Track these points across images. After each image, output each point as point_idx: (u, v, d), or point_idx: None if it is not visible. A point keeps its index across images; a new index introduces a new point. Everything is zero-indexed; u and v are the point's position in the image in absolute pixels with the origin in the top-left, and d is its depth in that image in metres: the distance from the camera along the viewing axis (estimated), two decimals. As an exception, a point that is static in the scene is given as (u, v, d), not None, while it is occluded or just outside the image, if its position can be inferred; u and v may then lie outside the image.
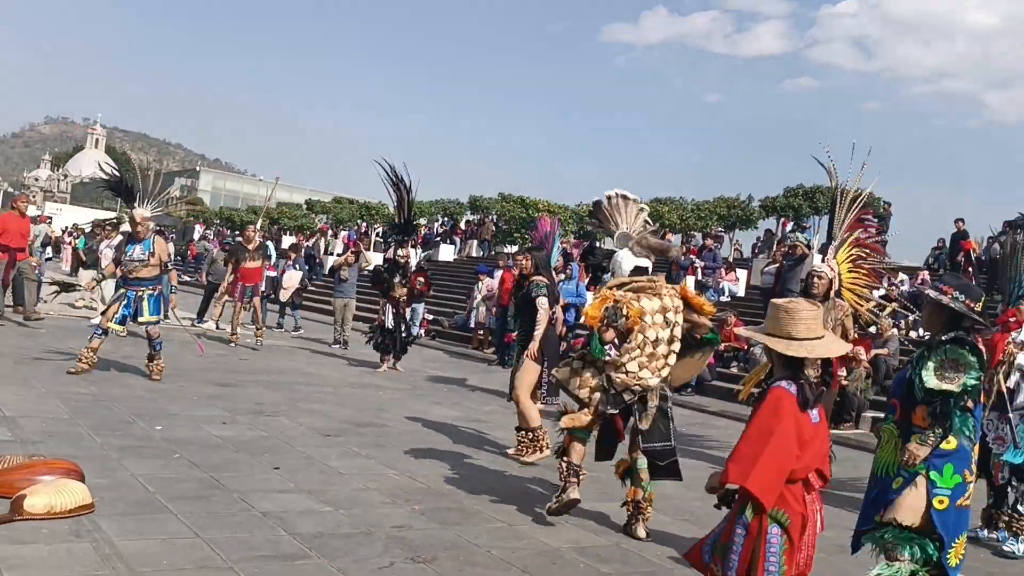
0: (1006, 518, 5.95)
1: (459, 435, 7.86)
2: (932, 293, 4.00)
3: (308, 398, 9.06)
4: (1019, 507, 5.90)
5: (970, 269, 16.81)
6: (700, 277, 17.72)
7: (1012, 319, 6.15)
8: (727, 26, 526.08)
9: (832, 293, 7.11)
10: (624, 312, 5.12)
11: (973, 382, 3.76)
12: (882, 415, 4.62)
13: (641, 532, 5.20)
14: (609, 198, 6.18)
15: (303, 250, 22.81)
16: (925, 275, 16.94)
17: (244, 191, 77.65)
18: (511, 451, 7.10)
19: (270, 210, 41.99)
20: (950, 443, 3.80)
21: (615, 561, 4.69)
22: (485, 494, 5.84)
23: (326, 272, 25.46)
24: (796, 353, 3.23)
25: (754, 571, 3.15)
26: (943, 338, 3.88)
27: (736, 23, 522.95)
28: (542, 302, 7.03)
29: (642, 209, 6.24)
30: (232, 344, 13.14)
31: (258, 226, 14.99)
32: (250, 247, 13.67)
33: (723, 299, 18.22)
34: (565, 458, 5.34)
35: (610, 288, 5.38)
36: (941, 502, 3.77)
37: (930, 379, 3.77)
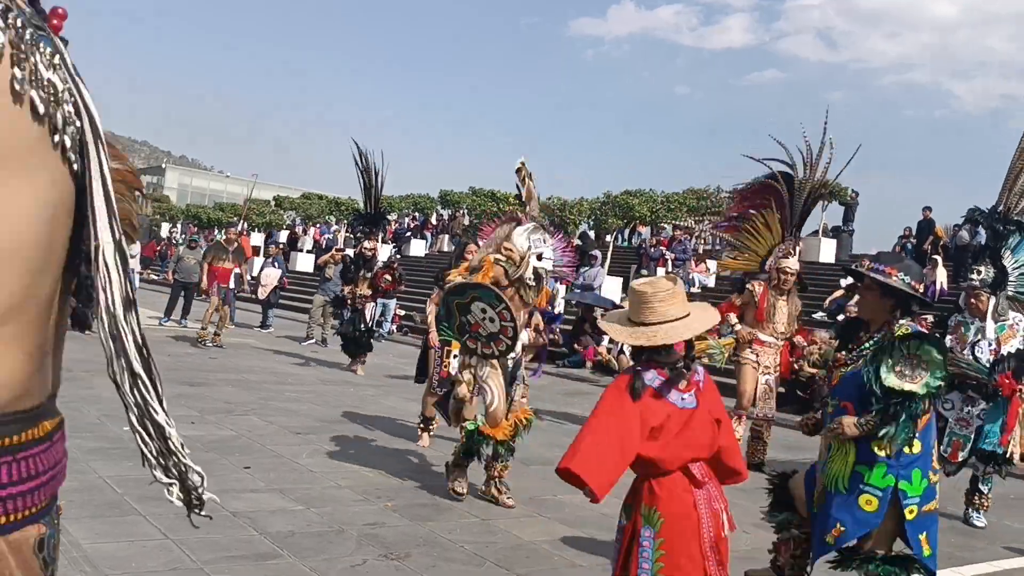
0: (976, 498, 6.28)
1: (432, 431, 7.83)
2: (877, 276, 3.63)
3: (279, 396, 8.99)
4: (980, 486, 6.26)
5: (937, 257, 17.00)
6: (671, 268, 17.80)
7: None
8: (694, 19, 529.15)
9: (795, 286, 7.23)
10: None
11: (937, 383, 3.47)
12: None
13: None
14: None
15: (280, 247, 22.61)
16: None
17: (211, 188, 76.75)
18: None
19: (238, 207, 41.69)
20: (915, 447, 3.54)
21: (589, 554, 4.70)
22: (458, 489, 5.83)
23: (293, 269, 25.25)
24: (636, 342, 2.93)
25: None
26: (905, 334, 3.53)
27: (703, 16, 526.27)
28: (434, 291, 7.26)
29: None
30: (201, 342, 12.93)
31: (239, 229, 14.92)
32: (231, 248, 13.79)
33: (693, 290, 18.33)
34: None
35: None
36: (911, 512, 3.55)
37: (889, 377, 3.45)
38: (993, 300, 6.08)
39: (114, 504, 4.71)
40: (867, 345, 3.68)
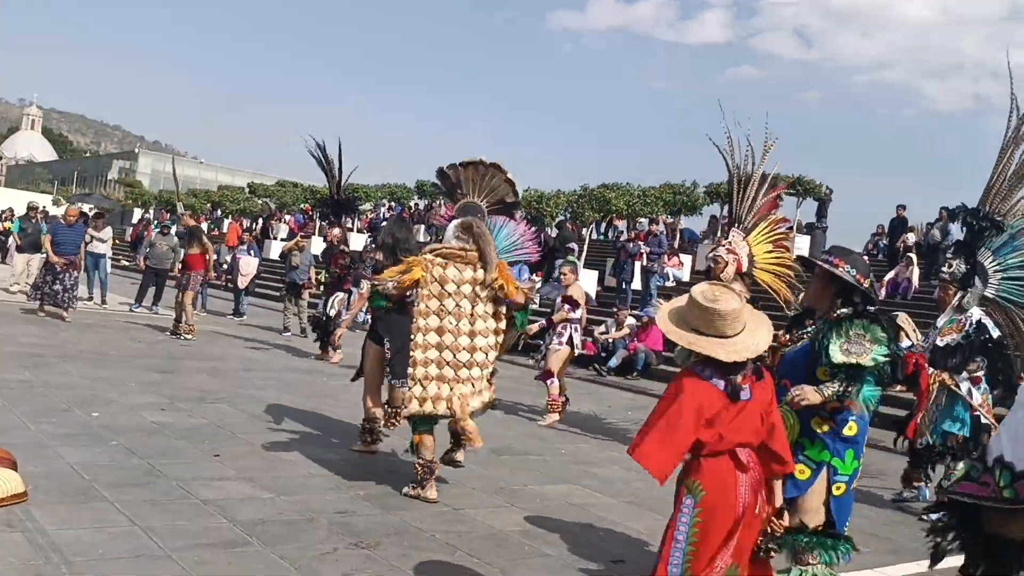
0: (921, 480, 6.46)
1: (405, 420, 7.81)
2: (824, 264, 3.91)
3: (251, 385, 8.93)
4: (929, 470, 6.43)
5: (910, 255, 17.20)
6: (645, 263, 17.84)
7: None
8: (672, 13, 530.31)
9: (735, 275, 6.74)
10: (397, 280, 5.29)
11: (882, 358, 3.72)
12: None
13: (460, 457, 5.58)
14: (463, 164, 6.18)
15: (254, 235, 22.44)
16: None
17: (185, 174, 76.05)
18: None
19: (212, 194, 41.28)
20: (852, 429, 3.78)
21: (560, 543, 4.72)
22: (430, 479, 5.83)
23: (273, 257, 25.08)
24: (731, 358, 3.09)
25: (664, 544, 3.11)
26: (854, 312, 3.80)
27: (681, 11, 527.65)
28: (363, 285, 6.81)
29: (508, 181, 6.26)
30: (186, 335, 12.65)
31: (180, 212, 14.77)
32: (188, 230, 13.68)
33: (668, 284, 18.40)
34: (418, 459, 5.31)
35: (424, 253, 5.43)
36: (839, 488, 3.80)
37: (836, 354, 3.70)
38: (960, 294, 6.11)
39: (81, 490, 4.66)
40: (807, 329, 3.97)
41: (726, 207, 24.76)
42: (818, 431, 3.81)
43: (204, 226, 19.48)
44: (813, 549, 3.74)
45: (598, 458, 7.19)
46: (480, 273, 5.30)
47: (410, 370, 5.20)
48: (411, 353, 5.20)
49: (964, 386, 6.16)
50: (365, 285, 6.57)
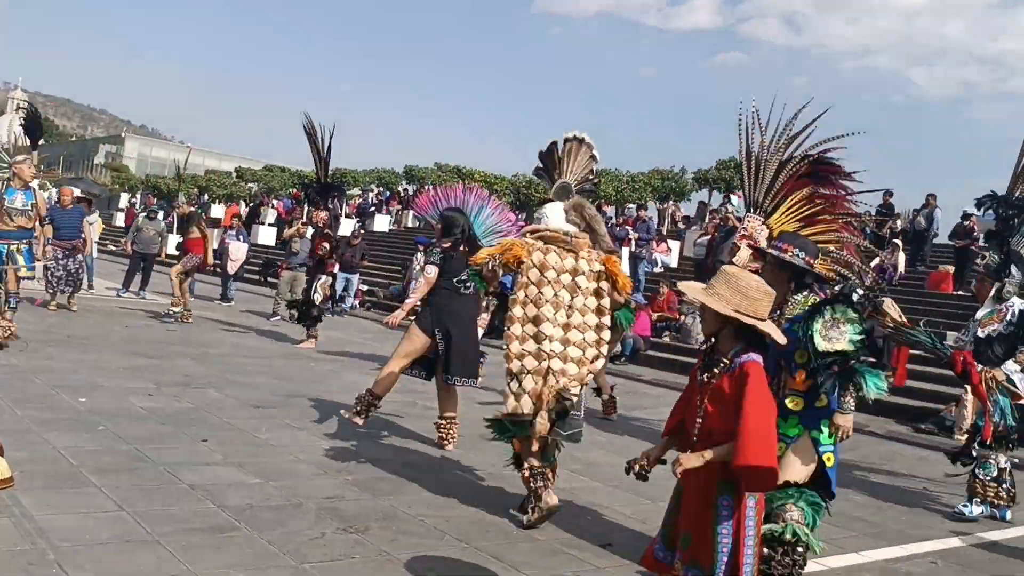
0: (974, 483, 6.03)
1: (393, 406, 7.80)
2: (773, 252, 4.04)
3: (238, 370, 8.91)
4: (977, 471, 5.99)
5: (896, 241, 17.26)
6: (634, 248, 17.87)
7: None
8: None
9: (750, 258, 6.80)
10: (499, 259, 4.83)
11: (858, 337, 3.80)
12: None
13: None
14: (567, 140, 5.81)
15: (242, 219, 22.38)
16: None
17: (171, 158, 75.55)
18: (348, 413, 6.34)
19: (198, 178, 41.05)
20: (822, 401, 3.91)
21: (548, 527, 4.73)
22: (419, 464, 5.84)
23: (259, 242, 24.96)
24: (779, 338, 3.12)
25: (737, 551, 2.99)
26: (828, 298, 3.95)
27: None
28: (429, 269, 6.32)
29: (593, 157, 5.96)
30: (180, 319, 12.59)
31: (180, 202, 14.63)
32: (183, 217, 13.53)
33: (656, 270, 18.44)
34: (524, 467, 4.75)
35: (523, 234, 5.09)
36: (829, 459, 3.93)
37: (820, 343, 3.79)
38: (996, 285, 6.05)
39: (68, 476, 4.65)
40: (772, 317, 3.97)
41: (714, 192, 24.87)
42: (792, 408, 3.91)
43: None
44: (791, 501, 3.82)
45: (584, 443, 7.19)
46: (582, 263, 4.85)
47: (507, 365, 4.72)
48: (507, 346, 4.72)
49: (1016, 377, 5.87)
50: (432, 270, 6.19)
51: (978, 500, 5.98)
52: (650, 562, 3.35)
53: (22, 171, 9.26)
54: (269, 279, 14.16)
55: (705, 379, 3.09)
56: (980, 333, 6.09)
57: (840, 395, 3.92)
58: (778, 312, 3.94)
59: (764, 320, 3.07)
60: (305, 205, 29.15)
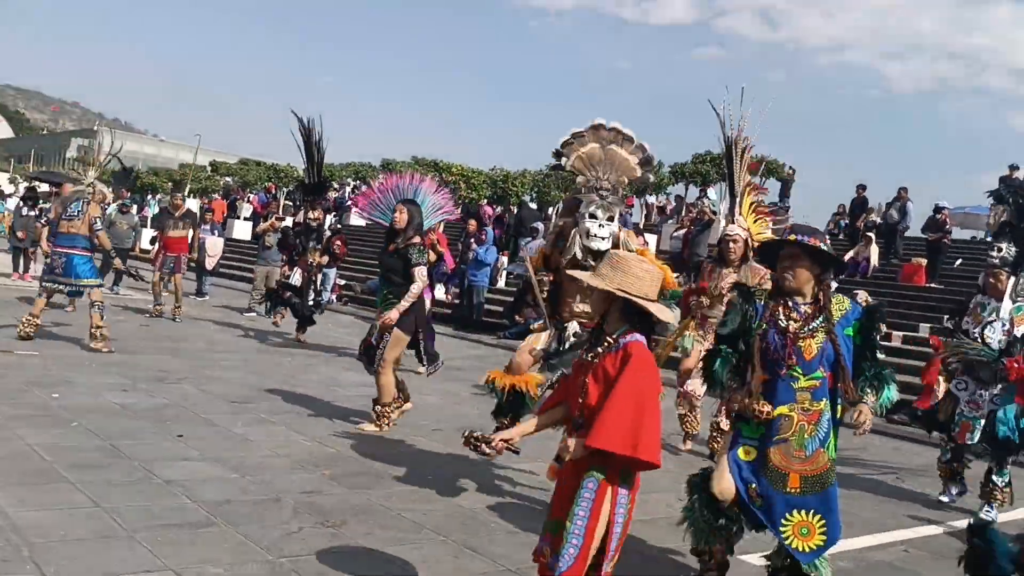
0: (988, 487, 5.92)
1: (370, 400, 7.81)
2: (808, 242, 3.65)
3: (214, 365, 8.85)
4: (993, 477, 5.90)
5: (869, 235, 17.43)
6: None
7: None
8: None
9: (750, 255, 6.54)
10: None
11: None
12: None
13: None
14: (597, 127, 5.30)
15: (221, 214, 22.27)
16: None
17: (145, 152, 74.65)
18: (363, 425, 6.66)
19: (172, 172, 40.63)
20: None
21: (527, 520, 4.75)
22: (396, 458, 5.83)
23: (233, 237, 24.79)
24: (666, 318, 3.08)
25: (605, 537, 2.95)
26: (850, 307, 3.74)
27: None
28: (420, 272, 6.37)
29: (647, 161, 5.44)
30: (151, 316, 12.50)
31: (183, 194, 14.48)
32: (177, 214, 13.34)
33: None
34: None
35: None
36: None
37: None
38: (1012, 280, 5.87)
39: (42, 472, 4.61)
40: (821, 319, 3.67)
41: (690, 187, 24.96)
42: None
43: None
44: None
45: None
46: None
47: None
48: None
49: None
50: (424, 272, 6.43)
51: (996, 504, 5.90)
52: (536, 555, 3.21)
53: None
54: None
55: (589, 358, 3.06)
56: (1017, 331, 5.81)
57: (867, 392, 3.70)
58: (821, 316, 3.68)
59: (653, 300, 3.04)
60: (281, 199, 29.02)
